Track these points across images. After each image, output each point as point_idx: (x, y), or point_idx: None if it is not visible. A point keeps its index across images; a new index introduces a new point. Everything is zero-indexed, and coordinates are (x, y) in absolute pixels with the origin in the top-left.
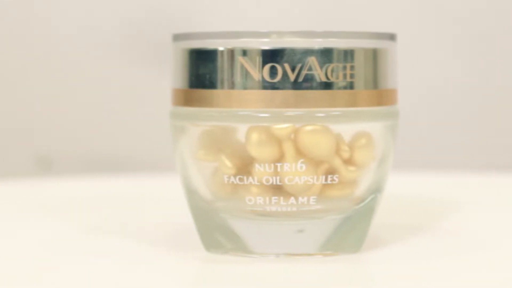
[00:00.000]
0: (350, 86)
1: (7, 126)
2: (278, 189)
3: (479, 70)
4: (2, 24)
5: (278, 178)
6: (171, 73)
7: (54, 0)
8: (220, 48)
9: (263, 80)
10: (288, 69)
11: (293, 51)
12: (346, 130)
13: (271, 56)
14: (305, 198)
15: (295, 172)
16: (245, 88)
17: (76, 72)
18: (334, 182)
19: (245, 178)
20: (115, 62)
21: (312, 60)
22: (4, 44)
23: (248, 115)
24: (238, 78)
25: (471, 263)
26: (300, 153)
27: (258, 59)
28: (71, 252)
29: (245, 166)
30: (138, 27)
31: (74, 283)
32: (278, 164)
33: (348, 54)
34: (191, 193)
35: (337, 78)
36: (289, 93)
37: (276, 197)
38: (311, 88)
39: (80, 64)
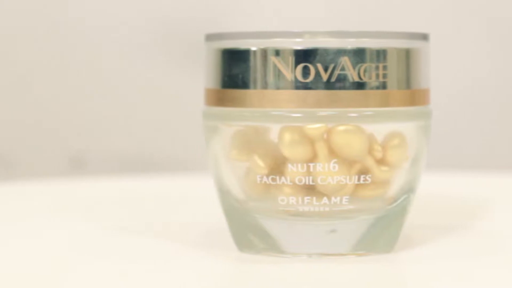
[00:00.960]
0: (383, 86)
1: (42, 126)
2: (310, 189)
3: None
4: (38, 25)
5: (310, 178)
6: (204, 73)
7: (90, 0)
8: (253, 48)
9: (296, 80)
10: (321, 69)
11: (326, 51)
12: (379, 130)
13: (304, 56)
14: (338, 198)
15: (327, 172)
16: (277, 88)
17: (110, 72)
18: (366, 182)
19: (277, 178)
20: (149, 62)
21: (345, 60)
22: (40, 45)
23: (281, 115)
24: (270, 78)
25: (504, 264)
26: (333, 153)
27: (291, 59)
28: (103, 252)
29: (277, 166)
30: (172, 27)
31: (106, 283)
32: (311, 164)
33: (380, 54)
34: (224, 193)
35: (370, 78)
36: (322, 93)
37: (308, 197)
38: (343, 88)
39: (114, 64)
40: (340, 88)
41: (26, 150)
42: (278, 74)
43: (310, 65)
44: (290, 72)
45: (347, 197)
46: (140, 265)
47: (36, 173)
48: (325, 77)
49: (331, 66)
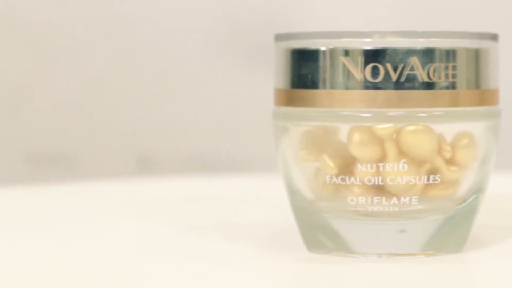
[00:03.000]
0: (452, 86)
1: (109, 126)
2: (380, 189)
3: None
4: (107, 26)
5: (380, 178)
6: (273, 73)
7: (157, 1)
8: (322, 48)
9: (365, 80)
10: (390, 69)
11: (395, 51)
12: (448, 130)
13: (373, 56)
14: (407, 198)
15: (397, 172)
16: (347, 88)
17: (177, 73)
18: (436, 182)
19: (347, 178)
20: (217, 62)
21: (414, 60)
22: (109, 46)
23: (350, 115)
24: (340, 78)
25: None
26: (402, 153)
27: (360, 59)
28: (172, 252)
29: (347, 166)
30: (240, 27)
31: (177, 284)
32: (380, 164)
33: (450, 54)
34: (293, 193)
35: (439, 78)
36: (391, 93)
37: (378, 197)
38: (413, 88)
39: (181, 65)
40: (409, 88)
41: (93, 150)
42: (348, 74)
43: (379, 65)
44: (360, 72)
45: (416, 197)
46: (210, 266)
47: (102, 173)
48: (394, 77)
49: (401, 66)
